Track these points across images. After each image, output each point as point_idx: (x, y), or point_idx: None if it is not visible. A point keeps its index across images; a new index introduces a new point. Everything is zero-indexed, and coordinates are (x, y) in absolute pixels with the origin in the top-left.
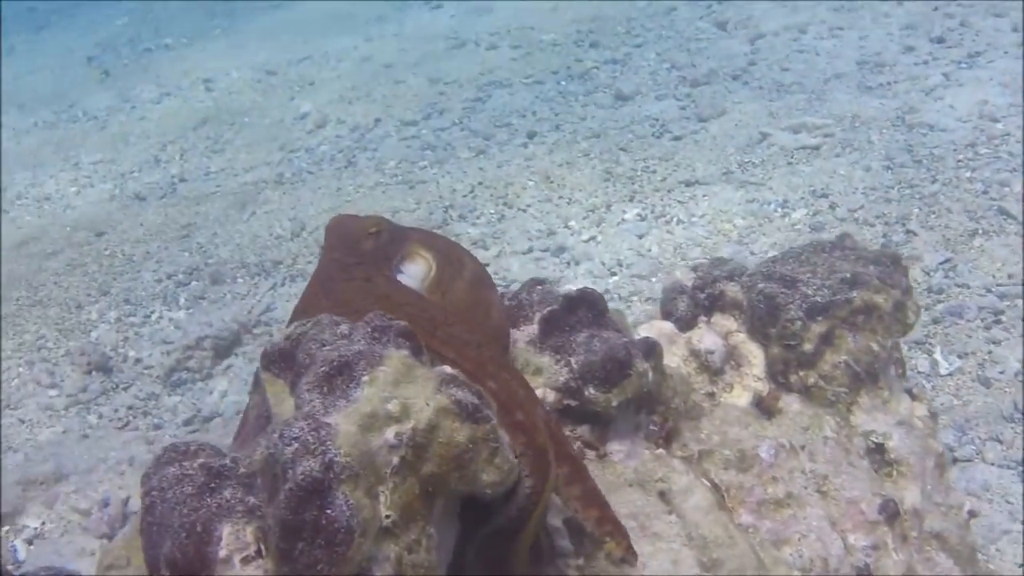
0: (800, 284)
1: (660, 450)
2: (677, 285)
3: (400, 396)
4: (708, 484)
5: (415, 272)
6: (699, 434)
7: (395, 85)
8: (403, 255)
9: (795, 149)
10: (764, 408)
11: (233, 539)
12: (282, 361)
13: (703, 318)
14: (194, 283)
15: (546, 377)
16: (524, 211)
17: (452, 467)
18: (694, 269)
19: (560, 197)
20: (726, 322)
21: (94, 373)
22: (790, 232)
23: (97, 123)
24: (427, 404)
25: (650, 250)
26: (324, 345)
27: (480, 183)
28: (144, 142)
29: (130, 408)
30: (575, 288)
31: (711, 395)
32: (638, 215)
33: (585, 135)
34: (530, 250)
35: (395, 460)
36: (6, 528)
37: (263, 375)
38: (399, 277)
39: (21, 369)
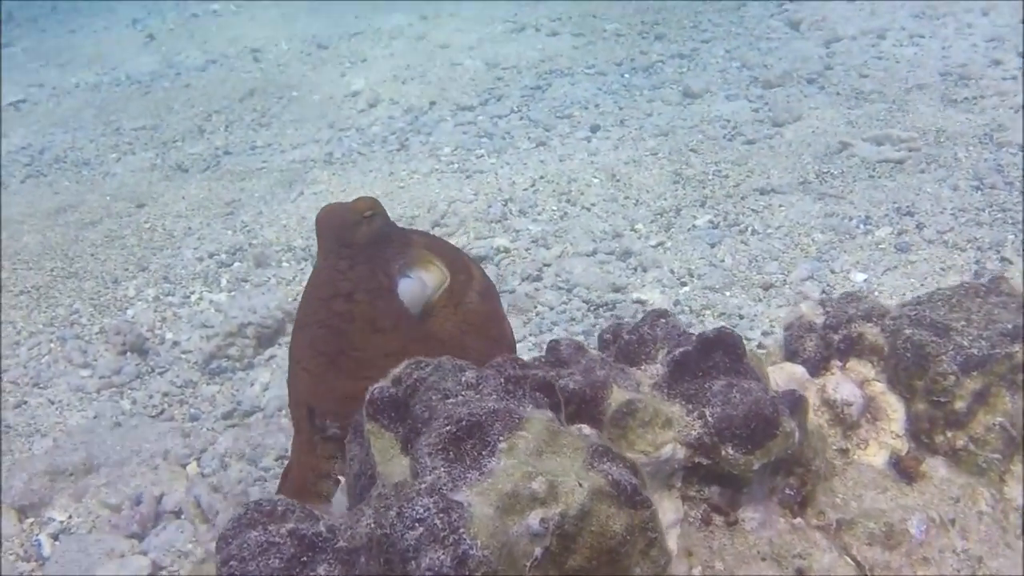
0: (954, 333)
1: (797, 519)
2: (805, 322)
3: (545, 471)
4: (851, 562)
5: (427, 281)
6: (834, 498)
7: (451, 67)
8: (409, 260)
9: (877, 162)
10: (903, 470)
11: None
12: (392, 410)
13: (837, 363)
14: (237, 264)
15: (676, 430)
16: (588, 210)
17: (603, 561)
18: (822, 304)
19: (626, 197)
20: (863, 369)
21: (129, 354)
22: (874, 251)
23: (140, 88)
24: (580, 484)
25: (723, 261)
26: (447, 396)
27: (541, 177)
28: (188, 111)
29: (166, 395)
30: (711, 329)
31: (844, 451)
32: (710, 222)
33: (652, 132)
34: (595, 252)
35: (537, 552)
36: (30, 520)
37: (368, 425)
38: (405, 283)
39: (52, 345)
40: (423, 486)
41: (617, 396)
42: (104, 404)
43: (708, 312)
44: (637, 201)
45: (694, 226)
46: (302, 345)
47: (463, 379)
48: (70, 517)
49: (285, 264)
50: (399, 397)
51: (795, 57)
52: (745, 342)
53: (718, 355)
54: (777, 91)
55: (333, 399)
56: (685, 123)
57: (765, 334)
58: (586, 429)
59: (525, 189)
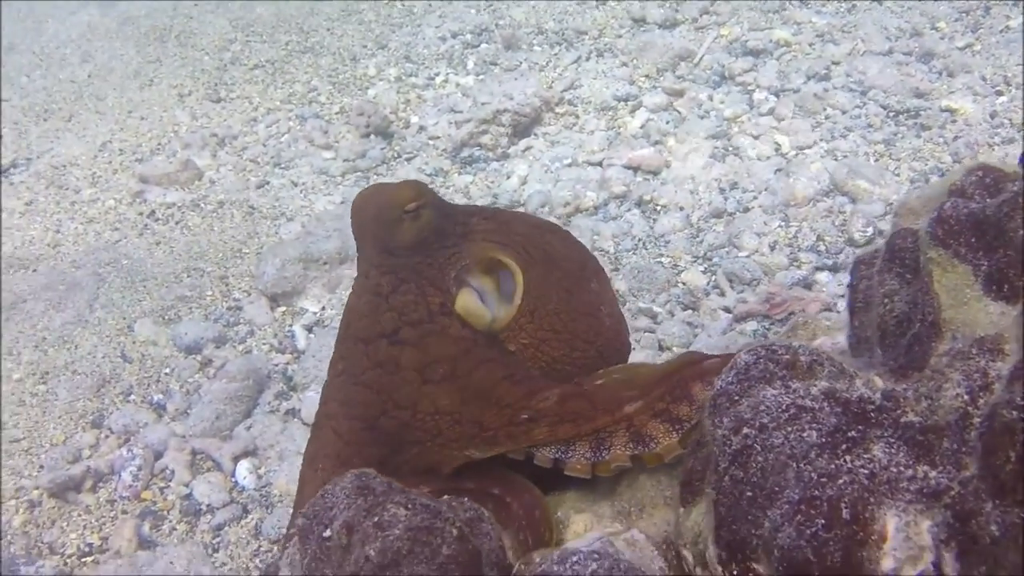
0: None
1: None
2: None
3: None
4: None
5: (493, 289)
6: None
7: None
8: (469, 262)
9: None
10: None
11: (903, 540)
12: (973, 234)
13: None
14: (484, 46)
15: None
16: (880, 2)
17: None
18: None
19: None
20: None
21: (373, 137)
22: None
23: None
24: None
25: None
26: None
27: None
28: None
29: None
30: None
31: None
32: None
33: None
34: (890, 52)
35: None
36: (282, 309)
37: (932, 252)
38: (465, 297)
39: (291, 123)
40: None
41: None
42: (350, 189)
43: None
44: None
45: (1007, 27)
46: (336, 397)
47: None
48: (323, 309)
49: (537, 48)
50: (987, 217)
51: None
52: None
53: None
54: None
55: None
56: None
57: None
58: None
59: None
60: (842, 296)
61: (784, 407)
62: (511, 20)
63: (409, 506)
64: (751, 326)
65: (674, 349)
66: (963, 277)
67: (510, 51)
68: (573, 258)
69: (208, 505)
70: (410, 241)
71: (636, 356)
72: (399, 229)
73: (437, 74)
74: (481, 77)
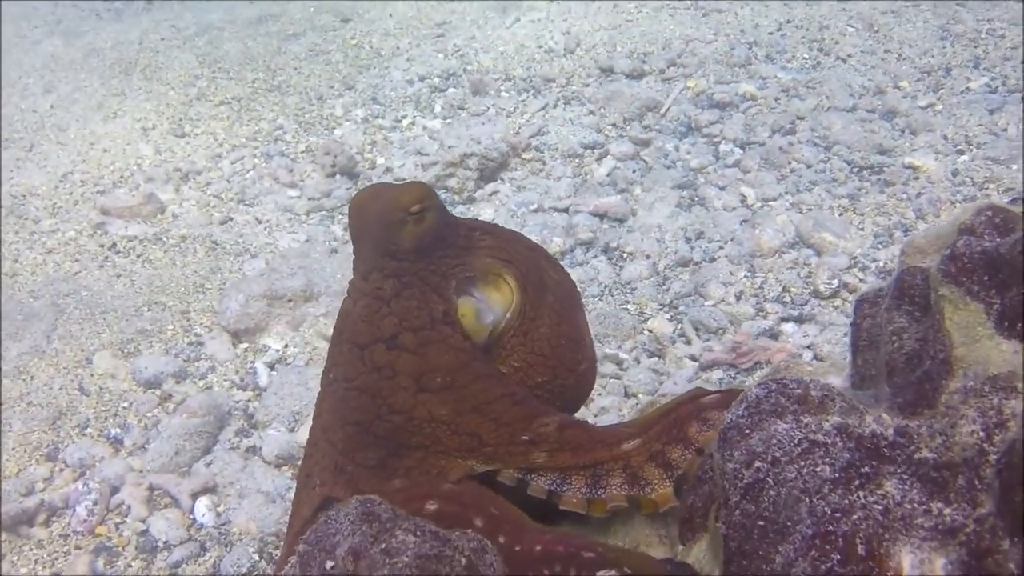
0: None
1: None
2: None
3: None
4: None
5: (494, 304)
6: None
7: None
8: (474, 274)
9: None
10: None
11: None
12: (986, 272)
13: None
14: (452, 90)
15: None
16: (844, 61)
17: None
18: None
19: (887, 51)
20: None
21: (339, 177)
22: None
23: None
24: None
25: (1006, 130)
26: None
27: (788, 21)
28: None
29: None
30: None
31: None
32: (987, 86)
33: None
34: (854, 108)
35: None
36: (244, 345)
37: (943, 290)
38: (467, 305)
39: (256, 161)
40: None
41: None
42: (315, 228)
43: (992, 186)
44: (900, 56)
45: (968, 88)
46: (328, 407)
47: None
48: (286, 346)
49: (505, 94)
50: (1001, 255)
51: None
52: None
53: None
54: None
55: (356, 486)
56: None
57: None
58: None
59: (771, 33)
60: (808, 347)
61: (796, 441)
62: (479, 66)
63: (418, 533)
64: (717, 375)
65: (640, 396)
66: (975, 315)
67: (477, 96)
68: (564, 286)
69: (165, 542)
70: (412, 244)
71: (601, 402)
72: (402, 231)
73: (404, 116)
74: (448, 121)
